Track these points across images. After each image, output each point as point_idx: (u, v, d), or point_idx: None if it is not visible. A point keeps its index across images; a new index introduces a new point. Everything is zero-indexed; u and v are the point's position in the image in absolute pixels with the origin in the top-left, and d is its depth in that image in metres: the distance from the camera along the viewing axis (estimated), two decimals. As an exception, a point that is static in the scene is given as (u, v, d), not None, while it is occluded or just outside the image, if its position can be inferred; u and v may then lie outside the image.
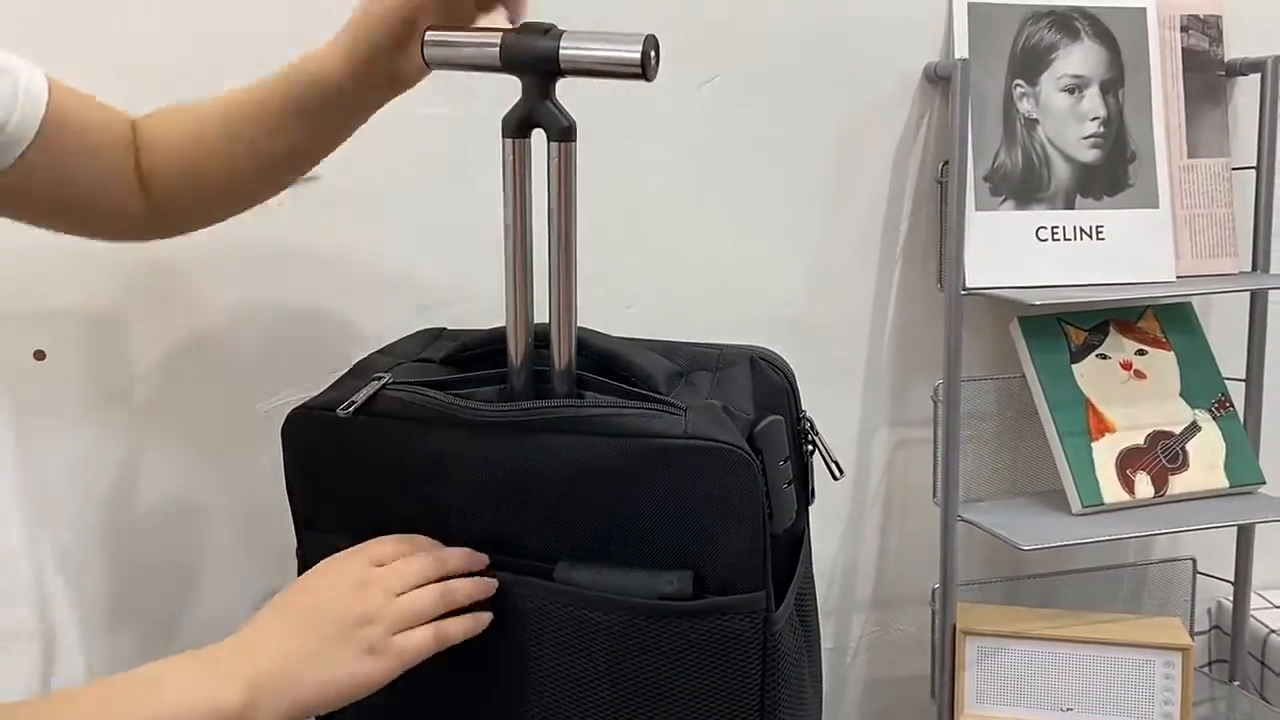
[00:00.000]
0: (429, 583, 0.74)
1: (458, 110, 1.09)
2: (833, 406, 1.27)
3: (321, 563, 0.74)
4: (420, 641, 0.72)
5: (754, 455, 0.73)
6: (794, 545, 0.86)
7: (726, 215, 1.20)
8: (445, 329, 0.91)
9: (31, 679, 0.72)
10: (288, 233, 1.08)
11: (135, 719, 0.62)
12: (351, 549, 0.75)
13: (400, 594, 0.73)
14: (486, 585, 0.77)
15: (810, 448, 0.87)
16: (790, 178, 1.21)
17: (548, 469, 0.75)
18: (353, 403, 0.76)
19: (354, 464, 0.79)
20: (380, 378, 0.79)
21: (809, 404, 0.91)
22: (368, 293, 1.12)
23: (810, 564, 0.90)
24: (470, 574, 0.77)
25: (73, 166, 0.78)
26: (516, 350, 0.79)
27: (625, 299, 1.18)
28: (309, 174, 1.06)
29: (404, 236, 1.12)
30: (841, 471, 0.86)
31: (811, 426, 0.87)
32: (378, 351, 0.90)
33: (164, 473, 1.11)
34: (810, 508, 0.89)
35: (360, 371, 0.84)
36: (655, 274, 1.19)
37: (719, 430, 0.73)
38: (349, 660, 0.70)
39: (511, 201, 0.77)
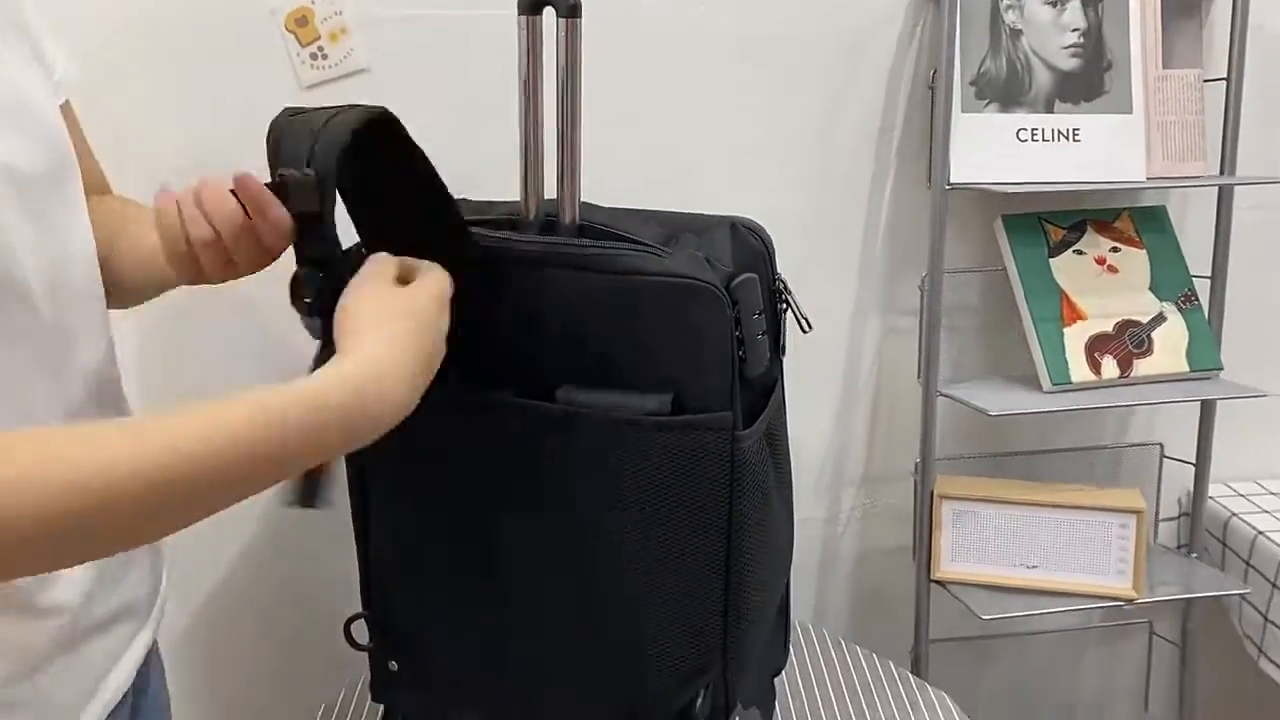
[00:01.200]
0: None
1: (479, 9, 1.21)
2: (829, 295, 1.39)
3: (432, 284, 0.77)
4: None
5: (727, 294, 0.86)
6: (767, 391, 0.98)
7: (734, 116, 1.31)
8: (469, 199, 1.03)
9: None
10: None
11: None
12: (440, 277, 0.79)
13: None
14: None
15: (784, 306, 0.99)
16: (794, 84, 1.31)
17: (555, 301, 0.87)
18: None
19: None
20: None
21: (807, 293, 1.02)
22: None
23: (783, 411, 1.02)
24: None
25: None
26: (528, 206, 0.92)
27: (633, 190, 1.29)
28: (360, 65, 1.20)
29: (437, 122, 1.24)
30: (810, 326, 0.98)
31: (785, 288, 0.98)
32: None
33: (216, 331, 1.26)
34: (784, 359, 1.01)
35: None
36: (663, 172, 1.30)
37: (699, 271, 0.85)
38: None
39: (525, 70, 0.89)
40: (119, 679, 0.81)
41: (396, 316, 0.73)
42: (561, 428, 0.89)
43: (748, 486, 0.89)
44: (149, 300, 0.92)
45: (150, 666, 0.88)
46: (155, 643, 0.90)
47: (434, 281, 0.77)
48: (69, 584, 0.74)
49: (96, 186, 0.92)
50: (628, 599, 0.91)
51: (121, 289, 0.86)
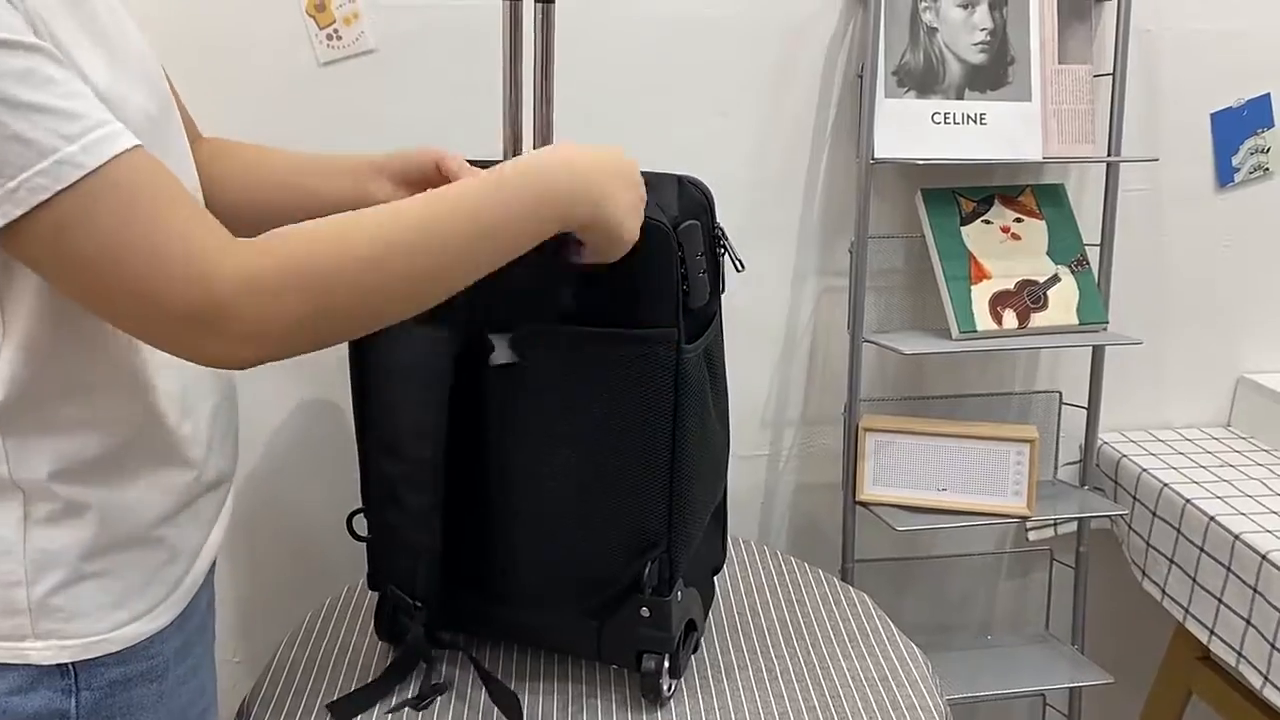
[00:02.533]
0: None
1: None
2: (770, 258, 1.56)
3: (612, 153, 0.92)
4: None
5: (673, 231, 1.02)
6: (708, 322, 1.14)
7: (690, 94, 1.48)
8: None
9: None
10: (350, 95, 1.39)
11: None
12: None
13: None
14: None
15: (721, 250, 1.15)
16: (744, 71, 1.49)
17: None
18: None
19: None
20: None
21: (751, 255, 1.19)
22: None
23: (721, 340, 1.19)
24: None
25: None
26: (509, 158, 1.09)
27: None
28: (370, 46, 1.36)
29: (434, 95, 1.42)
30: (743, 265, 1.14)
31: (723, 234, 1.15)
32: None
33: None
34: (722, 295, 1.17)
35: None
36: (625, 139, 1.46)
37: (652, 213, 1.01)
38: (634, 209, 0.94)
39: (507, 47, 1.06)
40: (217, 537, 0.96)
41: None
42: (534, 343, 1.06)
43: (689, 393, 1.06)
44: None
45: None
46: None
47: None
48: (197, 444, 0.88)
49: (192, 129, 1.04)
50: (591, 485, 1.07)
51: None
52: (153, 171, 0.70)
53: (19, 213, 0.65)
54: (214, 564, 0.98)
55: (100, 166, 0.66)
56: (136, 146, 0.69)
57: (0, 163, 0.64)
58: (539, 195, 0.84)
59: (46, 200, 0.65)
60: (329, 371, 1.47)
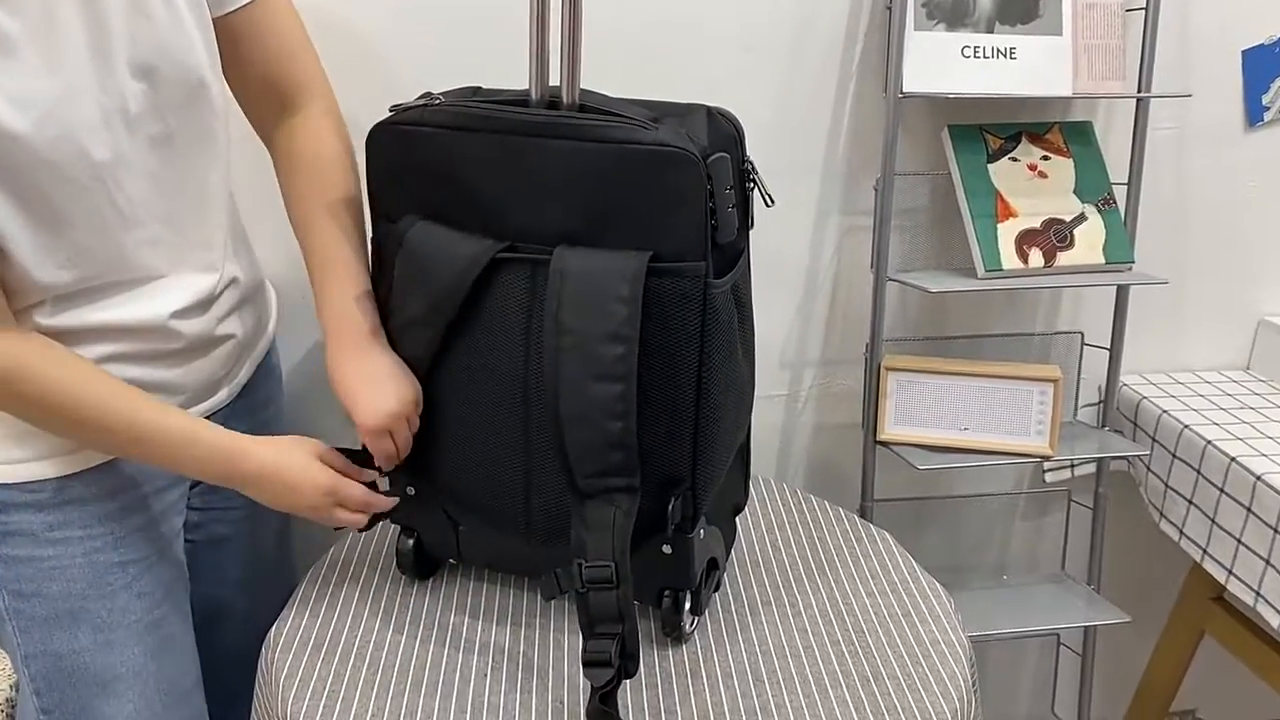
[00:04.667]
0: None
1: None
2: (794, 195, 1.51)
3: (301, 467, 1.07)
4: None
5: (704, 161, 0.98)
6: (736, 257, 1.11)
7: (716, 26, 1.42)
8: (481, 86, 1.15)
9: None
10: (370, 26, 1.34)
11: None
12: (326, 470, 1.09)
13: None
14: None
15: (750, 184, 1.11)
16: (771, 3, 1.43)
17: (554, 169, 1.00)
18: (402, 110, 1.02)
19: (416, 164, 1.04)
20: (431, 95, 1.04)
21: (775, 192, 1.14)
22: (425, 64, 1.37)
23: (748, 276, 1.14)
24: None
25: (237, 59, 1.09)
26: (534, 88, 1.04)
27: (625, 84, 1.41)
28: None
29: (459, 26, 1.37)
30: (773, 200, 1.11)
31: (753, 168, 1.11)
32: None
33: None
34: (750, 231, 1.13)
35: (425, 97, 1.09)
36: (651, 70, 1.42)
37: (680, 141, 0.98)
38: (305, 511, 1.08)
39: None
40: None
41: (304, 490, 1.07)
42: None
43: (717, 329, 1.02)
44: None
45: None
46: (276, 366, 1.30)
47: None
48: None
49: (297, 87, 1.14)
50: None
51: None
52: None
53: None
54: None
55: None
56: None
57: None
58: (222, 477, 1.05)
59: None
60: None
